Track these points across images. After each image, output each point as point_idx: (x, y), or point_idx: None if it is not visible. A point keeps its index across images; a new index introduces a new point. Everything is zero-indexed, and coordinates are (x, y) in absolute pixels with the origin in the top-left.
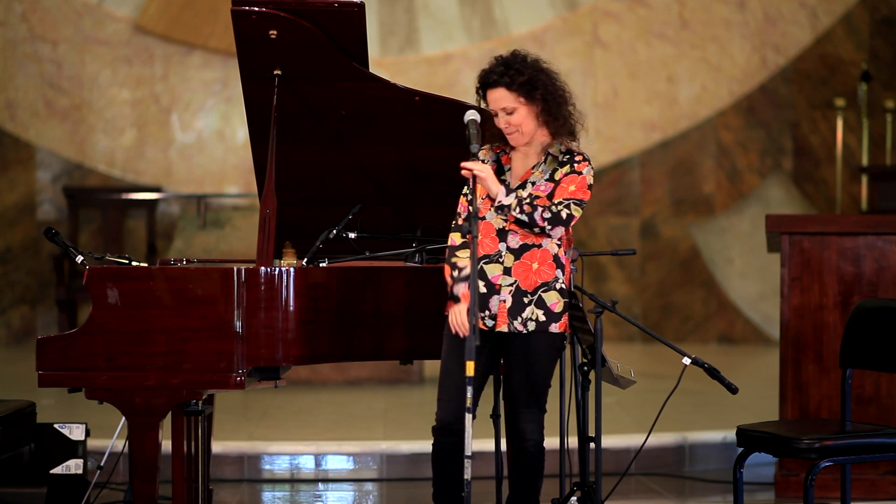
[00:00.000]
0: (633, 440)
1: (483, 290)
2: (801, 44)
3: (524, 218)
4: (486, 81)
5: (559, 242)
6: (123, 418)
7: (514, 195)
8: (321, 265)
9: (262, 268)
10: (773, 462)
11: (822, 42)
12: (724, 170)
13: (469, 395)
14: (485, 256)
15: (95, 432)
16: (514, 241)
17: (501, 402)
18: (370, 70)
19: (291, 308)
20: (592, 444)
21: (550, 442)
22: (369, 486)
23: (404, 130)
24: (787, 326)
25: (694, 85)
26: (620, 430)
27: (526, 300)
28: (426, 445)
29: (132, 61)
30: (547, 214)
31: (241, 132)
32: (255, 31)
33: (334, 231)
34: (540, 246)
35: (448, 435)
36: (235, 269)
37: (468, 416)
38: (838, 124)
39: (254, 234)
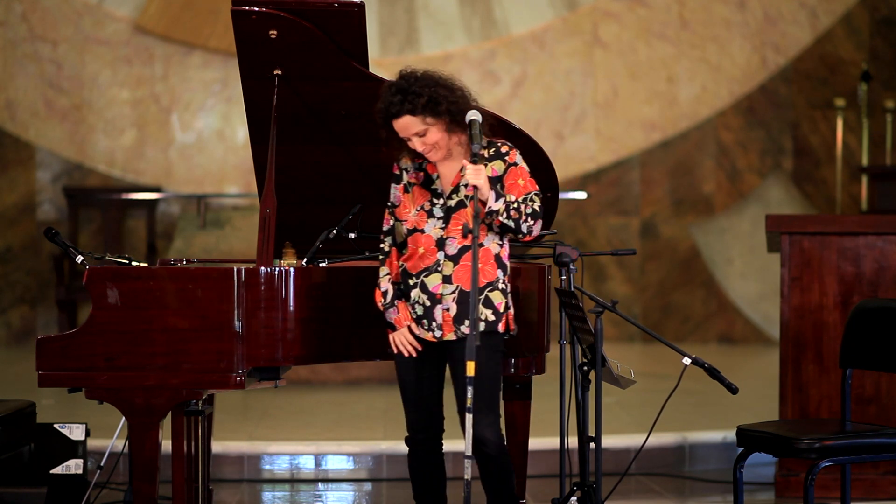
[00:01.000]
0: (633, 440)
1: (427, 302)
2: (801, 44)
3: (510, 224)
4: (389, 114)
5: (501, 243)
6: (123, 418)
7: (503, 200)
8: (321, 265)
9: (262, 268)
10: (773, 462)
11: (822, 42)
12: (724, 170)
13: (469, 394)
14: (424, 269)
15: (95, 432)
16: (453, 247)
17: (501, 402)
18: (370, 70)
19: (291, 308)
20: (592, 444)
21: (550, 442)
22: (369, 486)
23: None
24: (787, 326)
25: (694, 85)
26: (620, 430)
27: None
28: None
29: (132, 61)
30: (529, 210)
31: (241, 132)
32: (255, 31)
33: (334, 231)
34: (481, 245)
35: (420, 444)
36: (235, 269)
37: (468, 417)
38: (838, 124)
39: (254, 234)
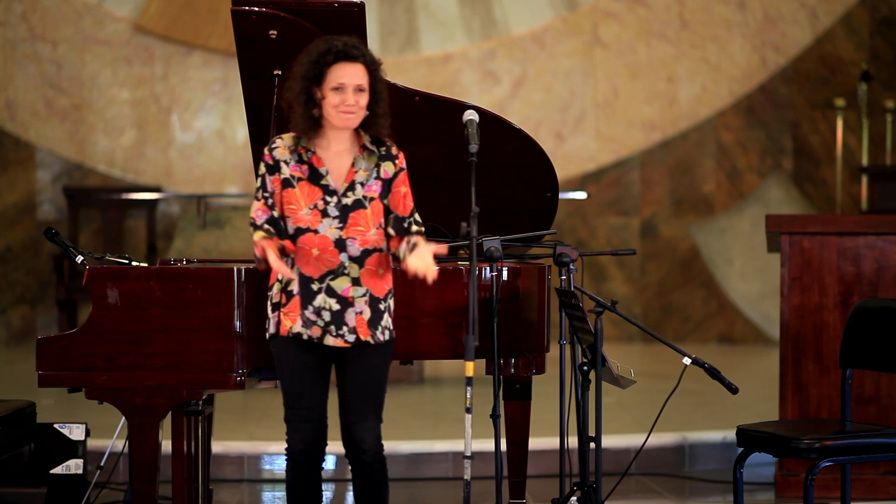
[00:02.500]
0: (633, 440)
1: (336, 306)
2: (801, 44)
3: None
4: (346, 54)
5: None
6: (123, 418)
7: (421, 239)
8: None
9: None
10: (773, 462)
11: (822, 42)
12: (724, 170)
13: (469, 395)
14: (329, 273)
15: (95, 432)
16: (354, 248)
17: (501, 402)
18: None
19: None
20: (592, 444)
21: (550, 442)
22: None
23: (404, 130)
24: (787, 326)
25: (694, 85)
26: (620, 430)
27: (381, 307)
28: (426, 445)
29: (132, 61)
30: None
31: (241, 132)
32: (255, 31)
33: None
34: (381, 250)
35: (309, 456)
36: (235, 269)
37: (468, 417)
38: (838, 124)
39: None
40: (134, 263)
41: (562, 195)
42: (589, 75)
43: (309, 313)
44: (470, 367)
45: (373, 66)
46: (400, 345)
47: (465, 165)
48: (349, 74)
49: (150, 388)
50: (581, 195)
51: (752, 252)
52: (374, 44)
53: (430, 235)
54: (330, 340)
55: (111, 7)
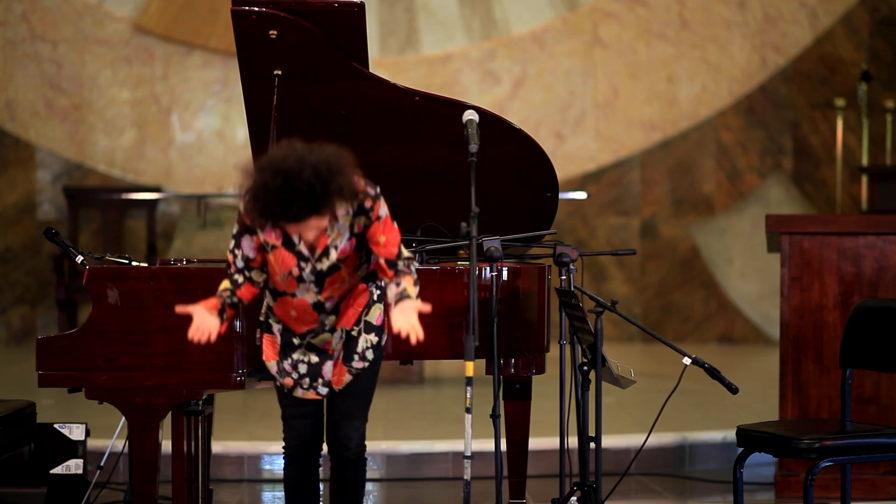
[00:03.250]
0: (633, 440)
1: (315, 359)
2: (801, 44)
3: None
4: (288, 217)
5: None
6: (123, 418)
7: (406, 297)
8: None
9: None
10: (773, 462)
11: (822, 42)
12: (724, 170)
13: (469, 395)
14: (309, 332)
15: (95, 432)
16: (331, 303)
17: (501, 402)
18: (370, 70)
19: None
20: (592, 444)
21: (550, 442)
22: (369, 486)
23: (404, 130)
24: (787, 326)
25: (694, 85)
26: (620, 430)
27: (354, 332)
28: (426, 445)
29: (132, 61)
30: (410, 269)
31: (241, 132)
32: (255, 31)
33: None
34: (352, 288)
35: (303, 455)
36: None
37: (468, 417)
38: (838, 124)
39: None
40: (134, 263)
41: (562, 195)
42: (589, 75)
43: (286, 364)
44: (470, 367)
45: (326, 206)
46: (400, 345)
47: (465, 165)
48: (303, 229)
49: (150, 388)
50: (581, 195)
51: (752, 252)
52: (374, 44)
53: (431, 235)
54: (300, 392)
55: (111, 7)
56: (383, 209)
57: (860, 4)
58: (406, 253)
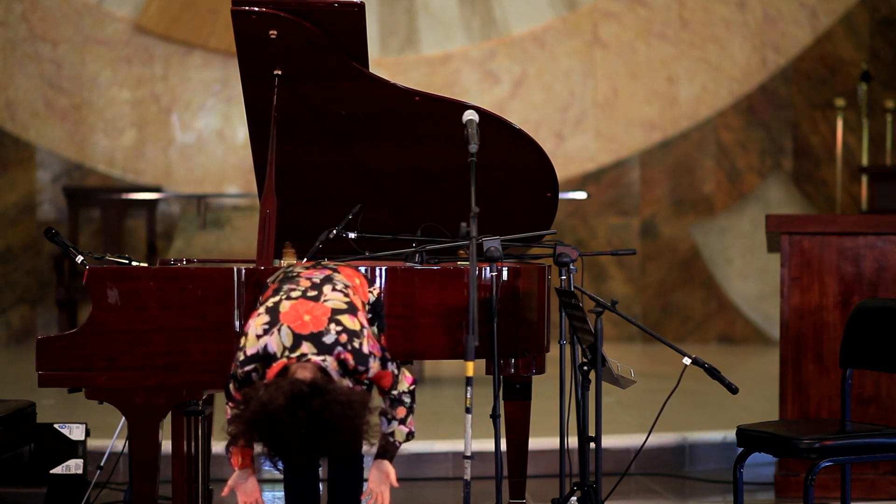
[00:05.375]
0: (633, 440)
1: None
2: (801, 44)
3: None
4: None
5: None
6: (123, 418)
7: (391, 448)
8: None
9: (262, 268)
10: (773, 462)
11: (822, 42)
12: (724, 170)
13: (469, 395)
14: None
15: (95, 432)
16: None
17: (501, 402)
18: (370, 70)
19: None
20: (592, 444)
21: (550, 442)
22: None
23: (404, 130)
24: (787, 326)
25: (694, 85)
26: (620, 430)
27: None
28: (426, 445)
29: (132, 61)
30: (404, 417)
31: (241, 132)
32: (255, 31)
33: (334, 231)
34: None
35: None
36: (235, 269)
37: (468, 417)
38: (838, 124)
39: (254, 234)
40: (134, 263)
41: (562, 195)
42: (589, 75)
43: None
44: (470, 367)
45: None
46: (400, 345)
47: (465, 165)
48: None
49: (150, 388)
50: (581, 195)
51: (752, 252)
52: (374, 44)
53: (431, 235)
54: None
55: (111, 7)
56: (374, 363)
57: (860, 4)
58: (403, 388)
